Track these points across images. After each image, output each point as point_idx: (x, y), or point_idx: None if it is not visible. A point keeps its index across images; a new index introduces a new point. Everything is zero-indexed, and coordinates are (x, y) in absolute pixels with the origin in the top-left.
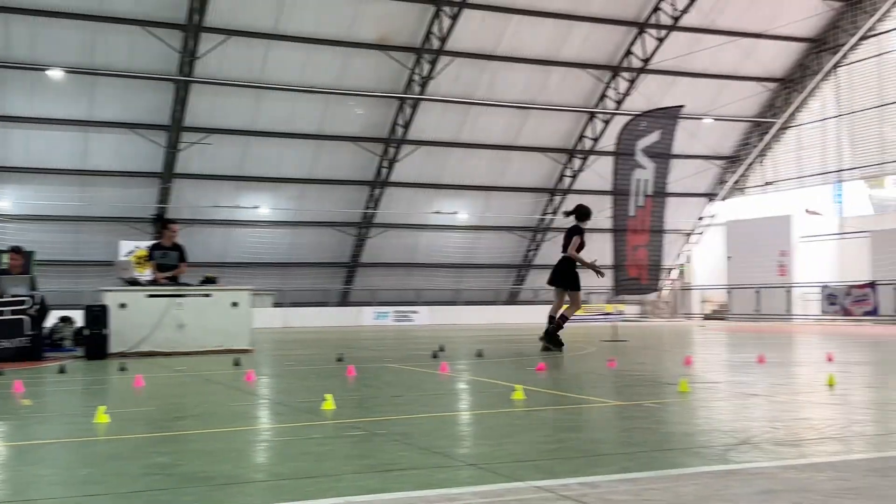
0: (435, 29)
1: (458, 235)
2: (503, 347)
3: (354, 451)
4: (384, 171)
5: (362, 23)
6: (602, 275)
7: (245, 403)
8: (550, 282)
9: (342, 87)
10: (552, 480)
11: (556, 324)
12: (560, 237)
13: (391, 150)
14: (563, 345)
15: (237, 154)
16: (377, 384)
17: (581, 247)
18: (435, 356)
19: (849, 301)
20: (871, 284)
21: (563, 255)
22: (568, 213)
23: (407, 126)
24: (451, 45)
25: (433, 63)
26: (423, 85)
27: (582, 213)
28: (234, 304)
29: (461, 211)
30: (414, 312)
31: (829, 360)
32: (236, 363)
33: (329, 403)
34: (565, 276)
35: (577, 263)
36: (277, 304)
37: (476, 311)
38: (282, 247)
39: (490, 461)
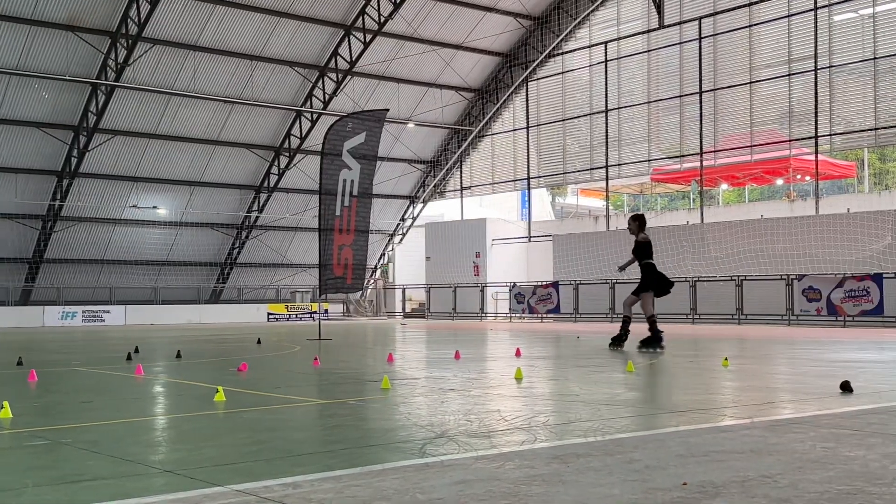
0: (132, 13)
1: (157, 231)
2: (205, 348)
3: (37, 462)
4: (74, 160)
5: (50, 0)
6: (620, 269)
7: None
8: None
9: (25, 69)
10: (253, 483)
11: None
12: (270, 234)
13: (82, 139)
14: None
15: None
16: (63, 389)
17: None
18: (129, 358)
19: (534, 300)
20: (554, 284)
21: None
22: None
23: (100, 114)
24: (150, 31)
25: (130, 49)
26: (119, 71)
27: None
28: None
29: (161, 206)
30: (106, 312)
31: (517, 355)
32: None
33: (6, 411)
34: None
35: (645, 271)
36: None
37: (176, 311)
38: None
39: (188, 466)
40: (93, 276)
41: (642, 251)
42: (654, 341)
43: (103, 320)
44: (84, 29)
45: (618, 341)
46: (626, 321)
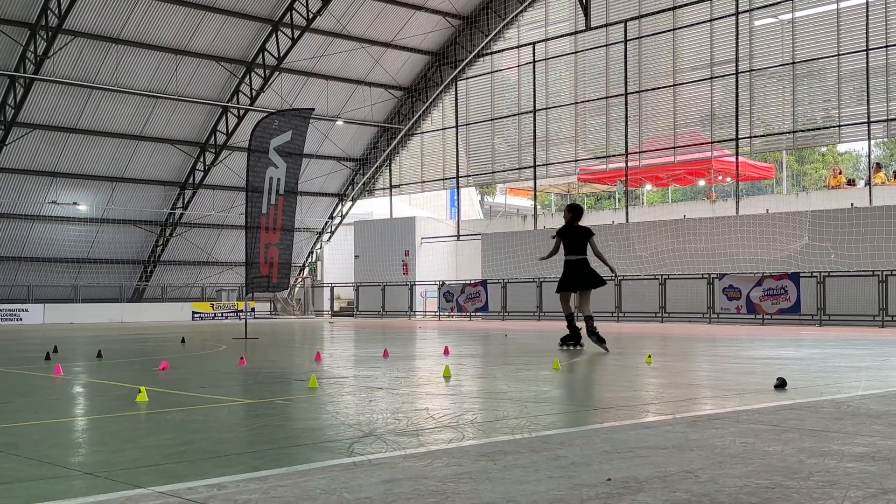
0: (52, 4)
1: (77, 228)
2: (127, 347)
3: None
4: None
5: None
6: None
7: None
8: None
9: None
10: (177, 484)
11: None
12: (195, 231)
13: None
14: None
15: None
16: None
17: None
18: (48, 358)
19: (463, 298)
20: (482, 283)
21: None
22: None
23: (18, 107)
24: (70, 23)
25: (50, 41)
26: (39, 64)
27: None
28: None
29: (81, 202)
30: (24, 311)
31: (446, 353)
32: None
33: None
34: None
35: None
36: None
37: (97, 310)
38: None
39: (109, 468)
40: (9, 273)
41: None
42: (574, 338)
43: (20, 319)
44: (1, 20)
45: (571, 340)
46: (570, 319)
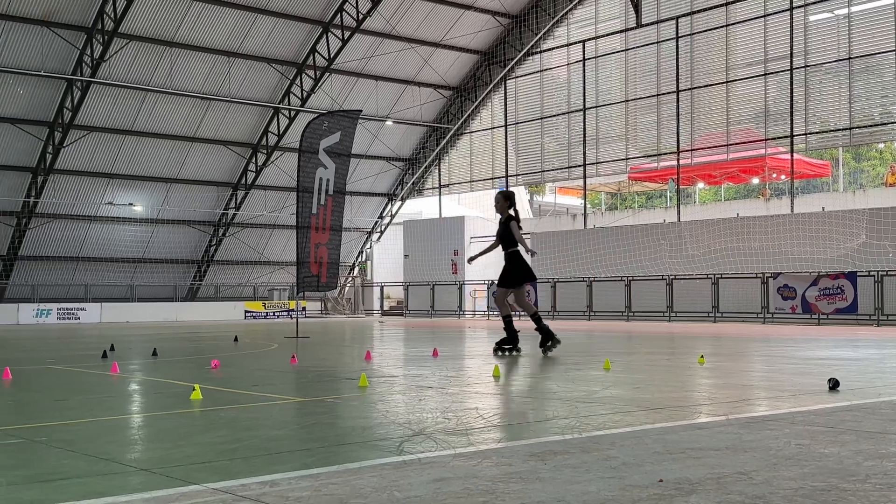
0: (108, 9)
1: (133, 228)
2: (181, 346)
3: (10, 460)
4: (49, 156)
5: None
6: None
7: None
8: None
9: (0, 64)
10: (230, 481)
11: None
12: (247, 231)
13: (57, 135)
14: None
15: None
16: (37, 388)
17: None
18: (105, 356)
19: (512, 298)
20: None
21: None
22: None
23: (76, 110)
24: (126, 27)
25: (106, 45)
26: (95, 67)
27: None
28: None
29: (137, 203)
30: (81, 310)
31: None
32: None
33: None
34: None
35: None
36: None
37: (152, 308)
38: None
39: (164, 465)
40: (68, 273)
41: (510, 235)
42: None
43: (78, 318)
44: (59, 24)
45: (508, 343)
46: (508, 320)
